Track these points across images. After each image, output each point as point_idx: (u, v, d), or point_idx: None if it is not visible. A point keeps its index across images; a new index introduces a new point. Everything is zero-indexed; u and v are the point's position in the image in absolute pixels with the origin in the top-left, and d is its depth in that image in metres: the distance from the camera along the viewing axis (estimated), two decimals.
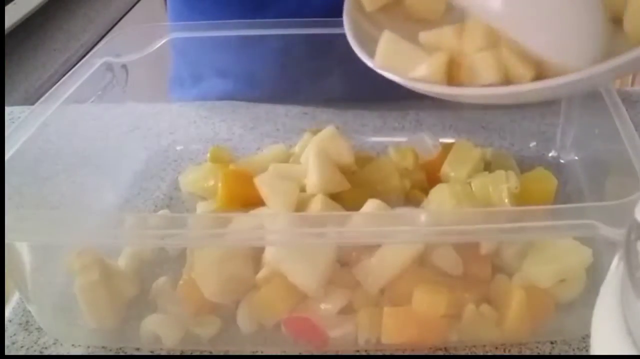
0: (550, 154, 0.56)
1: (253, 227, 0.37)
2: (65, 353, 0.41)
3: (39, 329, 0.43)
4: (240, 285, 0.40)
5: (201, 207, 0.50)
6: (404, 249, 0.39)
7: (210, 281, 0.40)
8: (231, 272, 0.40)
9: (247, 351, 0.41)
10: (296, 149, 0.53)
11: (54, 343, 0.42)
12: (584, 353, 0.40)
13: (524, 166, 0.52)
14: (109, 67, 0.52)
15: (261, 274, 0.40)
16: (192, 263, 0.41)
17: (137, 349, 0.41)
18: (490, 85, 0.37)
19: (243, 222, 0.38)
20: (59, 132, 0.46)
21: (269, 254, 0.40)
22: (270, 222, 0.38)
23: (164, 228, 0.37)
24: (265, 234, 0.37)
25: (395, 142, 0.54)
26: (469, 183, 0.46)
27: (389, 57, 0.40)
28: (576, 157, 0.54)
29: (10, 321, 0.44)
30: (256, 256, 0.41)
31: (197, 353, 0.41)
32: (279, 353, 0.41)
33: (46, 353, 0.42)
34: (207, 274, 0.40)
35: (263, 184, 0.45)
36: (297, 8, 0.59)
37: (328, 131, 0.49)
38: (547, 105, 0.57)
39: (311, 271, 0.39)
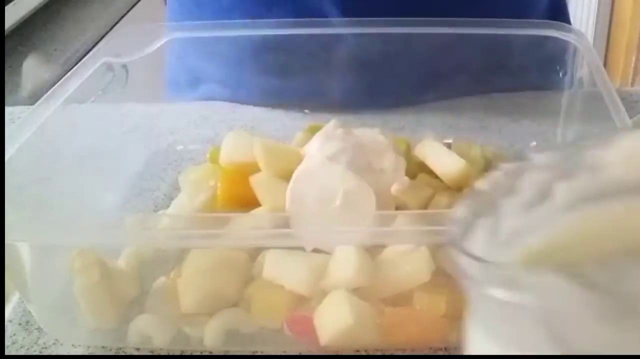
0: None
1: (250, 228, 0.37)
2: (65, 353, 0.41)
3: (39, 329, 0.43)
4: (219, 301, 0.40)
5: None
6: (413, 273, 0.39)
7: (190, 294, 0.40)
8: (213, 288, 0.40)
9: (247, 351, 0.41)
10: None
11: (54, 343, 0.42)
12: None
13: None
14: (109, 67, 0.52)
15: (252, 286, 0.40)
16: (180, 268, 0.41)
17: (137, 349, 0.41)
18: None
19: (241, 222, 0.37)
20: (59, 132, 0.46)
21: (259, 263, 0.40)
22: (264, 223, 0.38)
23: (164, 228, 0.37)
24: (263, 234, 0.37)
25: None
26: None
27: None
28: None
29: (10, 321, 0.44)
30: (246, 268, 0.41)
31: (197, 353, 0.41)
32: (279, 353, 0.41)
33: (46, 353, 0.42)
34: (189, 286, 0.40)
35: (258, 184, 0.45)
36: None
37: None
38: (547, 105, 0.57)
39: (305, 273, 0.39)
